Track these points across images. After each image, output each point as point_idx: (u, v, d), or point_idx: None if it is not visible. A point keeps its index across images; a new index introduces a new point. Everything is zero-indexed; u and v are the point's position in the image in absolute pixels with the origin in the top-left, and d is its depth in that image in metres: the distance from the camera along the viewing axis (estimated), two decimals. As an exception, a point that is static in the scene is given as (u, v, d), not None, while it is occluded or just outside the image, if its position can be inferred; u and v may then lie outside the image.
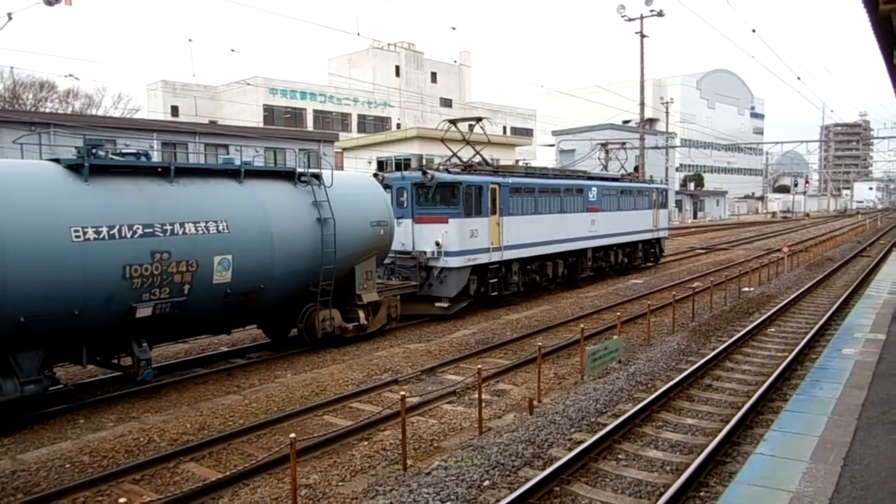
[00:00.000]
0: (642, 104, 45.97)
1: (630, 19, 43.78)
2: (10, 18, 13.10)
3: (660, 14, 42.86)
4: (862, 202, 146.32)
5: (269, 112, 62.96)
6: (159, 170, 12.00)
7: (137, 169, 11.70)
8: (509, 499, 7.14)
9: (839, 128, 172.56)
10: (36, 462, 8.79)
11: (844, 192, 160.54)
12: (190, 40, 47.94)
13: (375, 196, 16.13)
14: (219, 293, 12.20)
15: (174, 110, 61.50)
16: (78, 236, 10.18)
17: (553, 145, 75.48)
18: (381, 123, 70.28)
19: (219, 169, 13.15)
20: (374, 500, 7.48)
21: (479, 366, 10.42)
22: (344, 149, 51.44)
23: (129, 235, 10.79)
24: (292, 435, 6.96)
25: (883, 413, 8.28)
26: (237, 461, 8.82)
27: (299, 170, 14.26)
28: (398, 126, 67.57)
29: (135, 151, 12.34)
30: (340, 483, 8.17)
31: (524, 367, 13.20)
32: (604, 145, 41.01)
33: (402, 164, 46.97)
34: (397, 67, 74.50)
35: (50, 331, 10.18)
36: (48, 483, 8.18)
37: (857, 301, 17.89)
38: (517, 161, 46.64)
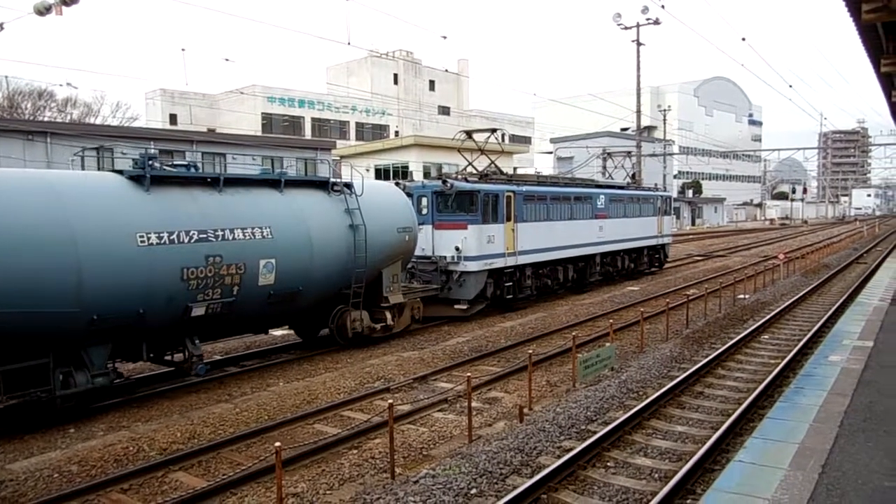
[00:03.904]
0: (638, 112, 46.06)
1: (626, 28, 43.81)
2: (1, 28, 13.16)
3: (656, 22, 42.77)
4: (860, 209, 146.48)
5: (268, 120, 63.06)
6: (209, 180, 12.82)
7: (190, 179, 12.47)
8: (495, 507, 7.14)
9: (837, 135, 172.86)
10: (24, 472, 8.78)
11: (843, 198, 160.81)
12: (183, 50, 48.03)
13: (401, 204, 16.98)
14: (263, 294, 13.02)
15: (172, 118, 61.57)
16: (143, 241, 10.99)
17: (551, 153, 75.63)
18: (380, 131, 70.37)
19: (261, 179, 13.96)
20: (360, 509, 7.47)
21: (470, 374, 10.43)
22: (341, 157, 51.50)
23: (185, 241, 11.59)
24: (277, 444, 6.97)
25: (864, 420, 8.26)
26: (226, 470, 8.81)
27: (333, 179, 15.04)
28: (396, 134, 67.69)
29: (185, 163, 13.13)
30: (328, 492, 8.16)
31: (516, 375, 13.19)
32: (609, 154, 41.29)
33: (400, 172, 47.05)
34: (395, 76, 74.66)
35: (117, 328, 10.98)
36: (35, 493, 8.17)
37: (849, 307, 17.90)
38: (515, 169, 46.72)
